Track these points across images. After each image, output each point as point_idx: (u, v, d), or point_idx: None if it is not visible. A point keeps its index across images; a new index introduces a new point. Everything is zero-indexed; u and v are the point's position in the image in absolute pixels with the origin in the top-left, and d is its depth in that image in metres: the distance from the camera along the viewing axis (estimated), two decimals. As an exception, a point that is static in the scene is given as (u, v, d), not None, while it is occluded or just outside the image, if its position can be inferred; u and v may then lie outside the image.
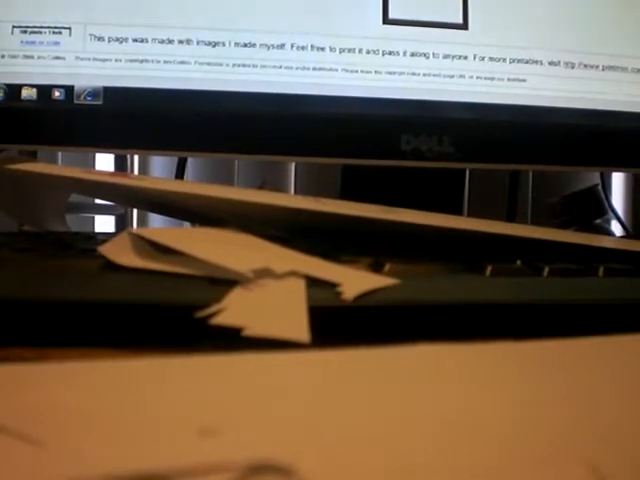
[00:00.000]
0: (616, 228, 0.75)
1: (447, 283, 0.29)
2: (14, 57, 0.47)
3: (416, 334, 0.23)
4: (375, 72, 0.49)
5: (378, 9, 0.49)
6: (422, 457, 0.15)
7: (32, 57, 0.47)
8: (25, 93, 0.47)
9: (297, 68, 0.49)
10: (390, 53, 0.49)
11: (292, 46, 0.48)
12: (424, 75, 0.50)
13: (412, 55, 0.50)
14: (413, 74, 0.50)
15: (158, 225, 0.81)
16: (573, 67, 0.51)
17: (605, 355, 0.24)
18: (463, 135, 0.50)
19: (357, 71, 0.49)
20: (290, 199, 0.44)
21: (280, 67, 0.48)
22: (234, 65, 0.48)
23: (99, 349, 0.24)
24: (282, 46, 0.48)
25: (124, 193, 0.40)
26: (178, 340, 0.24)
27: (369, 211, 0.34)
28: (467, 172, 0.56)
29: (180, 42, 0.48)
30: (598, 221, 0.72)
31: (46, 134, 0.48)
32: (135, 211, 0.86)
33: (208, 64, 0.48)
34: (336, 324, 0.25)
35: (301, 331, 0.23)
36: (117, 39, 0.47)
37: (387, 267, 0.30)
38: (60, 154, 0.82)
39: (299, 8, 0.49)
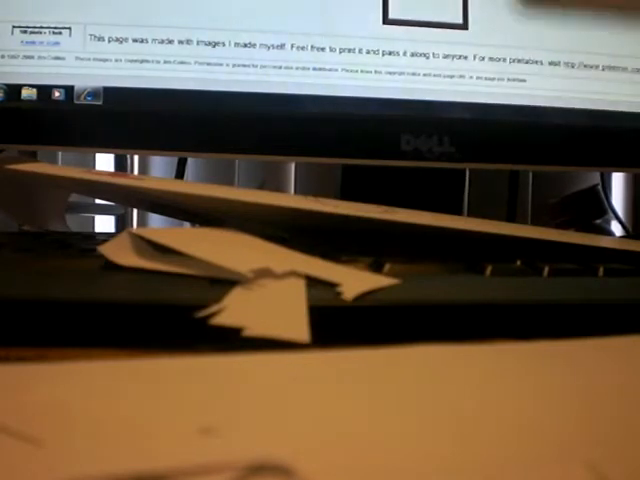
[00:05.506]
0: (616, 228, 0.75)
1: (447, 283, 0.29)
2: (14, 57, 0.47)
3: (416, 334, 0.23)
4: (375, 72, 0.49)
5: (378, 9, 0.49)
6: (422, 457, 0.15)
7: (32, 57, 0.47)
8: (25, 93, 0.47)
9: (297, 68, 0.49)
10: (390, 53, 0.49)
11: (292, 46, 0.48)
12: (424, 75, 0.50)
13: (412, 55, 0.50)
14: (413, 74, 0.50)
15: (158, 225, 0.81)
16: (573, 67, 0.51)
17: (605, 356, 0.24)
18: (463, 135, 0.50)
19: (357, 71, 0.49)
20: (290, 199, 0.44)
21: (280, 67, 0.48)
22: (234, 65, 0.48)
23: (99, 349, 0.24)
24: (282, 46, 0.48)
25: (124, 193, 0.40)
26: (178, 340, 0.24)
27: (369, 211, 0.34)
28: (467, 172, 0.56)
29: (180, 42, 0.48)
30: (598, 221, 0.72)
31: (46, 134, 0.48)
32: (135, 211, 0.86)
33: (208, 64, 0.48)
34: (336, 324, 0.25)
35: (301, 331, 0.23)
36: (117, 39, 0.47)
37: (387, 267, 0.30)
38: (60, 154, 0.82)
39: (299, 8, 0.49)
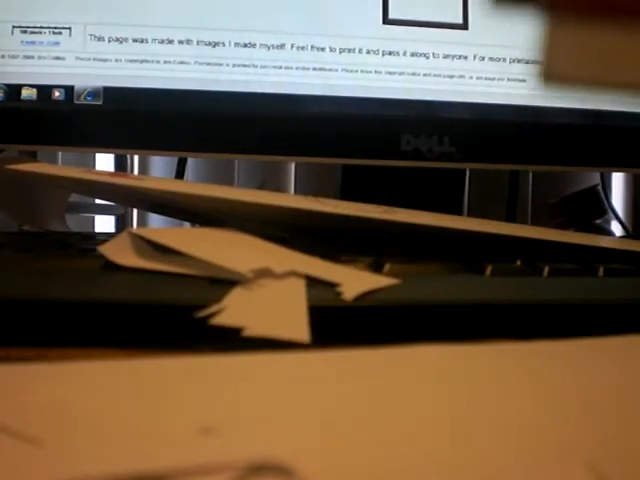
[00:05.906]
0: (616, 228, 0.75)
1: (447, 283, 0.29)
2: (14, 57, 0.47)
3: (416, 334, 0.23)
4: (375, 72, 0.49)
5: (378, 9, 0.49)
6: (421, 457, 0.15)
7: (32, 57, 0.47)
8: (25, 93, 0.47)
9: (297, 68, 0.49)
10: (390, 53, 0.49)
11: (292, 46, 0.48)
12: (424, 75, 0.50)
13: (412, 55, 0.50)
14: (413, 74, 0.50)
15: (158, 225, 0.81)
16: (573, 67, 0.51)
17: (605, 356, 0.24)
18: (463, 135, 0.50)
19: (357, 71, 0.49)
20: (290, 199, 0.44)
21: (280, 67, 0.48)
22: (234, 65, 0.48)
23: (99, 349, 0.24)
24: (282, 46, 0.48)
25: (124, 193, 0.40)
26: (178, 340, 0.24)
27: (369, 211, 0.34)
28: (467, 172, 0.56)
29: (180, 42, 0.48)
30: (598, 221, 0.72)
31: (46, 134, 0.48)
32: (135, 211, 0.86)
33: (208, 64, 0.48)
34: (336, 324, 0.25)
35: (301, 331, 0.23)
36: (117, 39, 0.47)
37: (387, 267, 0.30)
38: (60, 154, 0.82)
39: (299, 8, 0.49)
